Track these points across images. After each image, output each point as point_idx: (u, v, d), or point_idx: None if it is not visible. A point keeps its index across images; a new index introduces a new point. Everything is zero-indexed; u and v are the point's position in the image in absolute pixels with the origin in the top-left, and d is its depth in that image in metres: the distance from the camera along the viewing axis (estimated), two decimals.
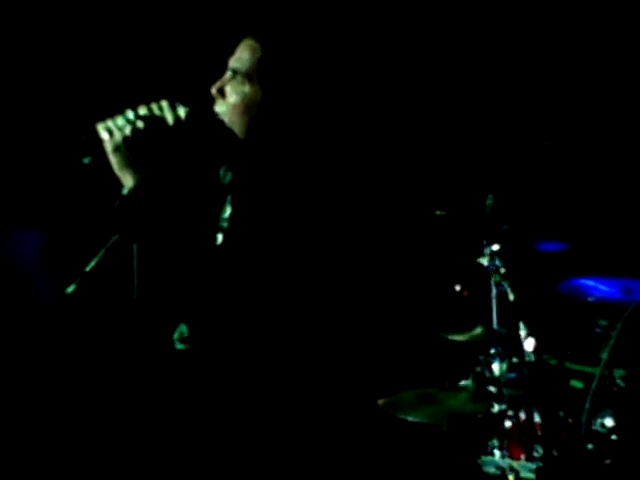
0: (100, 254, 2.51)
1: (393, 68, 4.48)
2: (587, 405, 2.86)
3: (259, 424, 2.59)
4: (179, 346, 2.66)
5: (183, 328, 2.66)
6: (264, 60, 2.65)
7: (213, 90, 2.69)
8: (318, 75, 2.72)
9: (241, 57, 2.67)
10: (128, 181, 2.59)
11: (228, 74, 2.69)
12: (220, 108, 2.68)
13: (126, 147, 2.58)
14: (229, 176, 2.75)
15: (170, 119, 2.61)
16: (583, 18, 4.45)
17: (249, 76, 2.64)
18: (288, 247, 2.57)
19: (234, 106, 2.66)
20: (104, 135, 2.59)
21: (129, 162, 2.59)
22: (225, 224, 2.68)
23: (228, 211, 2.70)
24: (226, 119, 2.67)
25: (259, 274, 2.57)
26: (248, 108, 2.66)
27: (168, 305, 2.62)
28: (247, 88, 2.65)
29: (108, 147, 2.59)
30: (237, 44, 2.71)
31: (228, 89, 2.67)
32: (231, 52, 2.72)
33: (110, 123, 2.60)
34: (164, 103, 2.63)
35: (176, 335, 2.65)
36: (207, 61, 2.94)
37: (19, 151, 4.13)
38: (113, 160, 2.60)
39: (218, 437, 2.62)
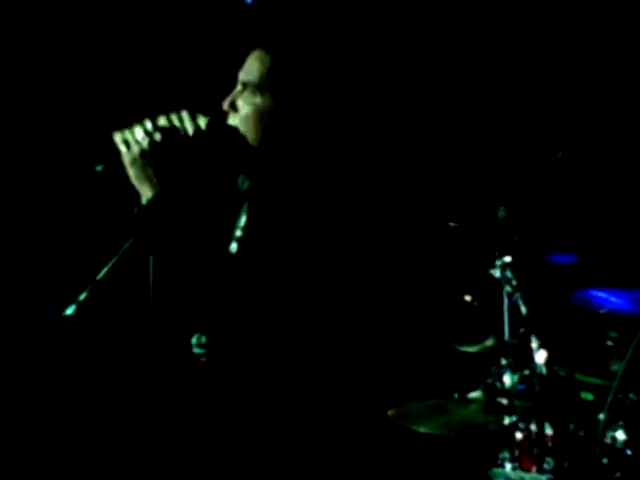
0: (112, 262, 2.51)
1: (406, 79, 4.48)
2: (602, 417, 2.85)
3: (269, 434, 2.59)
4: (196, 350, 2.66)
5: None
6: (273, 69, 2.65)
7: (225, 105, 2.69)
8: (328, 81, 2.73)
9: (250, 69, 2.69)
10: (146, 192, 2.57)
11: (238, 87, 2.70)
12: (233, 121, 2.68)
13: (143, 159, 2.57)
14: (247, 184, 2.75)
15: (190, 129, 2.60)
16: (600, 30, 4.44)
17: (260, 87, 2.65)
18: (302, 256, 2.57)
19: (247, 118, 2.67)
20: (121, 147, 2.57)
21: (146, 174, 2.57)
22: (240, 232, 2.68)
23: (243, 219, 2.70)
24: (240, 131, 2.68)
25: (274, 283, 2.57)
26: (261, 118, 2.66)
27: (184, 312, 2.62)
28: (258, 99, 2.66)
29: (125, 159, 2.58)
30: (246, 56, 2.72)
31: (240, 102, 2.68)
32: (241, 64, 2.74)
33: (128, 135, 2.58)
34: (184, 113, 2.62)
35: (194, 340, 2.65)
36: (220, 72, 2.94)
37: (31, 157, 4.15)
38: (131, 172, 2.58)
39: (228, 443, 2.62)
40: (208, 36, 4.28)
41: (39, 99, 4.19)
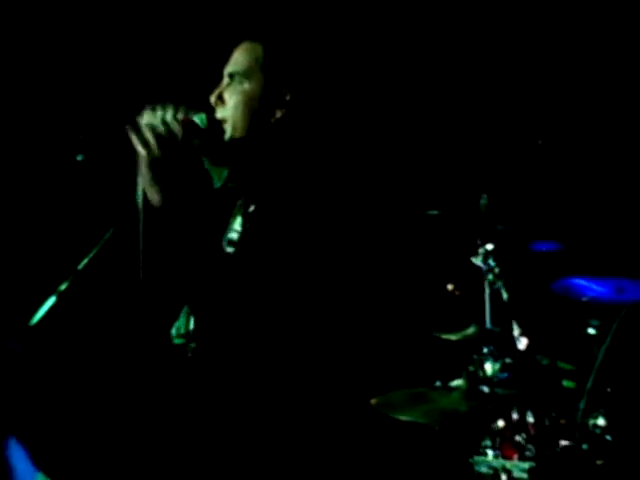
0: (93, 252, 2.50)
1: (387, 68, 4.48)
2: (582, 405, 2.87)
3: (254, 422, 2.59)
4: (177, 341, 2.66)
5: (181, 323, 2.67)
6: (261, 56, 2.69)
7: (212, 98, 2.71)
8: (315, 68, 2.75)
9: (237, 60, 2.73)
10: (154, 197, 2.54)
11: (225, 80, 2.72)
12: (222, 114, 2.69)
13: (160, 163, 2.53)
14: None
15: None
16: (577, 15, 4.45)
17: (247, 74, 2.69)
18: (291, 247, 2.57)
19: (236, 106, 2.69)
20: (140, 150, 2.52)
21: (159, 178, 2.54)
22: (235, 231, 2.69)
23: (238, 219, 2.70)
24: (229, 122, 2.69)
25: (263, 277, 2.57)
26: (250, 104, 2.70)
27: (172, 301, 2.63)
28: (247, 86, 2.69)
29: (143, 163, 2.54)
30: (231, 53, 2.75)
31: (227, 93, 2.71)
32: (226, 61, 2.76)
33: (149, 136, 2.53)
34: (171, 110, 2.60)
35: (174, 330, 2.65)
36: (208, 69, 2.94)
37: (12, 148, 4.13)
38: (145, 174, 2.54)
39: (213, 436, 2.62)
40: (198, 32, 4.27)
41: (18, 88, 4.17)
